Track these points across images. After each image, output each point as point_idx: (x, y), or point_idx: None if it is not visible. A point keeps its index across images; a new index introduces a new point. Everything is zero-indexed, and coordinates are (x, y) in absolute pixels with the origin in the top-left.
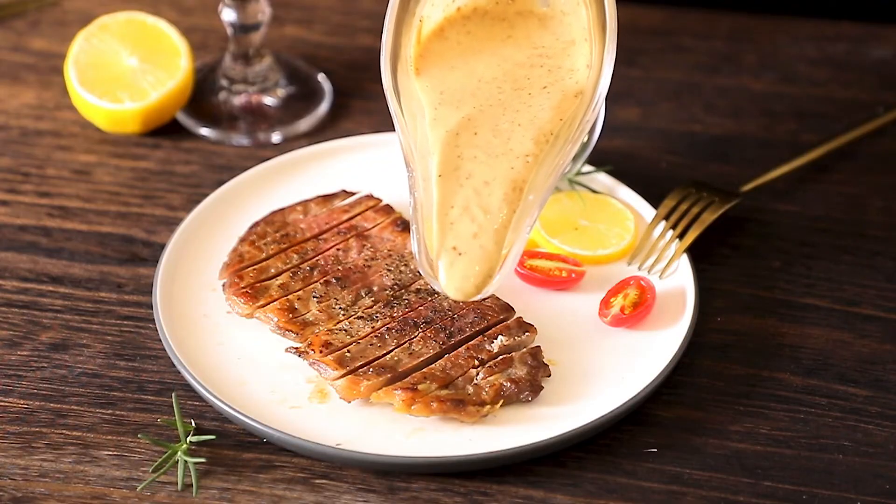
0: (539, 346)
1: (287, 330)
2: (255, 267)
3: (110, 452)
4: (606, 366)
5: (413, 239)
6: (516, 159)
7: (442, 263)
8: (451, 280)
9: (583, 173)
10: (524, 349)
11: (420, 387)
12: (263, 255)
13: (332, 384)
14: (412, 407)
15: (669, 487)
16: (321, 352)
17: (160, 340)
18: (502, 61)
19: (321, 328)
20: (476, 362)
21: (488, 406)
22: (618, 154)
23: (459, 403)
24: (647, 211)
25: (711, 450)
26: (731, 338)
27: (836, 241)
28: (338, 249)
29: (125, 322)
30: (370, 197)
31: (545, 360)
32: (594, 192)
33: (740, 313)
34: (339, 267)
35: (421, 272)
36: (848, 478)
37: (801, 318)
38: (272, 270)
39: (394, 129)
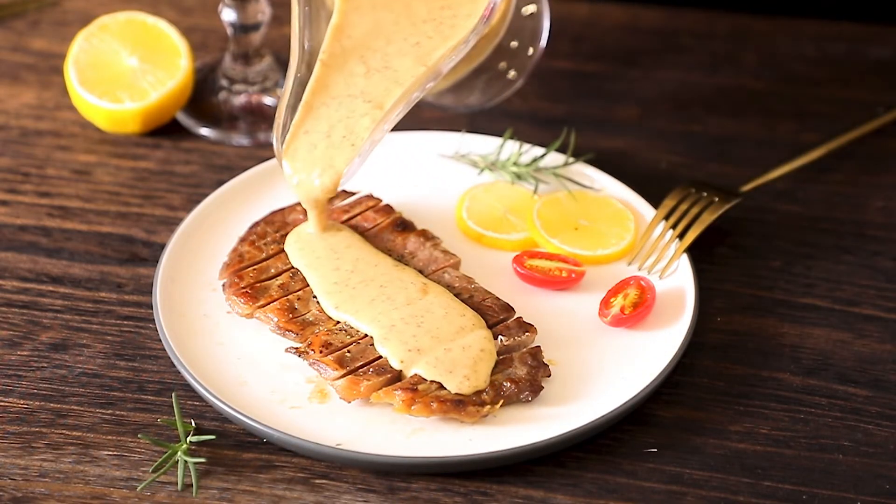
0: (539, 346)
1: (287, 330)
2: (255, 267)
3: (110, 452)
4: (606, 366)
5: (274, 125)
6: (398, 76)
7: (289, 160)
8: (299, 173)
9: (568, 164)
10: (524, 349)
11: (420, 387)
12: (263, 255)
13: (331, 384)
14: (412, 407)
15: (669, 487)
16: (321, 352)
17: (160, 340)
18: (407, 17)
19: (321, 328)
20: None
21: (488, 406)
22: (618, 154)
23: (459, 403)
24: (647, 211)
25: (711, 450)
26: (731, 338)
27: (836, 241)
28: None
29: (125, 322)
30: (370, 197)
31: (545, 360)
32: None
33: (740, 313)
34: None
35: (277, 160)
36: (848, 478)
37: (801, 318)
38: (272, 270)
39: (393, 130)
